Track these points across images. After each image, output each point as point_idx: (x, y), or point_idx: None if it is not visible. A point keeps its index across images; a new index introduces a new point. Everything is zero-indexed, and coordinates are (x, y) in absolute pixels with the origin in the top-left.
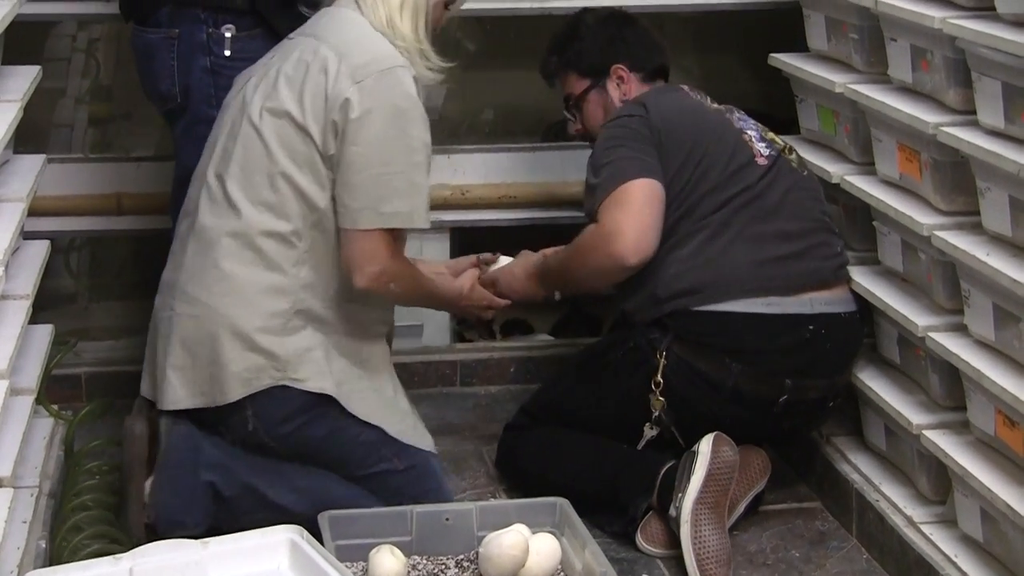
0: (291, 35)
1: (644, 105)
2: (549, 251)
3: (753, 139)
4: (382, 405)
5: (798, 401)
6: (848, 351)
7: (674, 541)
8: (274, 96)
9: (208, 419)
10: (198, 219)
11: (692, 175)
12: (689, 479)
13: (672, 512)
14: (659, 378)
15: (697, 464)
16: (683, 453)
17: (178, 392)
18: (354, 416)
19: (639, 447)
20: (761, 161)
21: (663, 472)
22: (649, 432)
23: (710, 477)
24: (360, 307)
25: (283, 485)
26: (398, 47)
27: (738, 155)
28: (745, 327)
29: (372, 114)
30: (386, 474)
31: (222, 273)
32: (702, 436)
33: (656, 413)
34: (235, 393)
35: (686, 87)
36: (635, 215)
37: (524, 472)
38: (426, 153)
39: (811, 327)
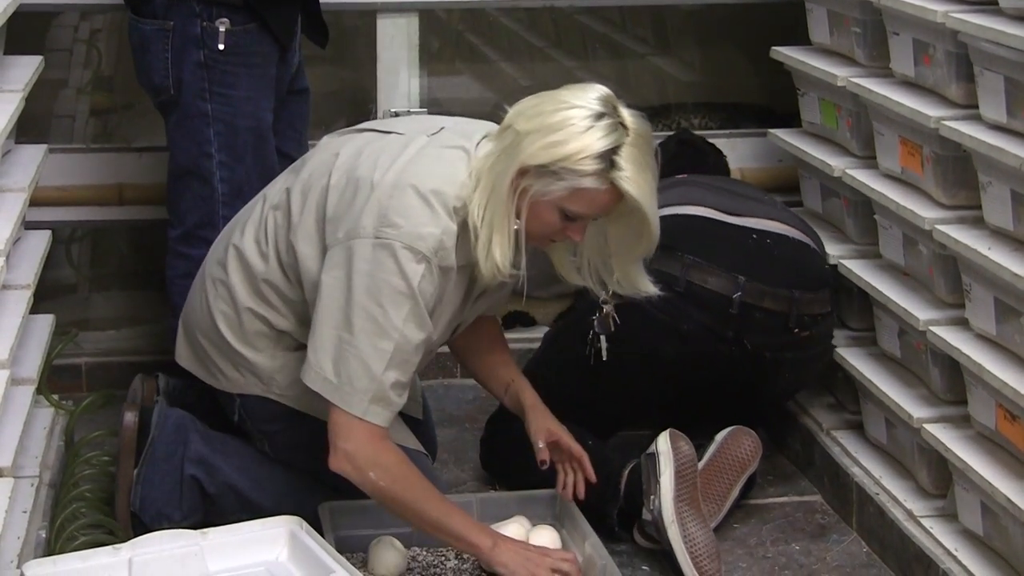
0: (443, 122)
1: None
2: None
3: None
4: None
5: (755, 307)
6: (804, 270)
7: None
8: (335, 175)
9: (205, 385)
10: (249, 211)
11: None
12: (658, 480)
13: (647, 515)
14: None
15: (662, 464)
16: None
17: (183, 350)
18: None
19: (588, 353)
20: None
21: (626, 476)
22: (597, 326)
23: (679, 475)
24: None
25: (267, 488)
26: (473, 227)
27: None
28: (687, 225)
29: (366, 277)
30: None
31: (227, 279)
32: (663, 353)
33: (596, 316)
34: (225, 387)
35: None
36: None
37: (505, 473)
38: (399, 346)
39: (754, 236)
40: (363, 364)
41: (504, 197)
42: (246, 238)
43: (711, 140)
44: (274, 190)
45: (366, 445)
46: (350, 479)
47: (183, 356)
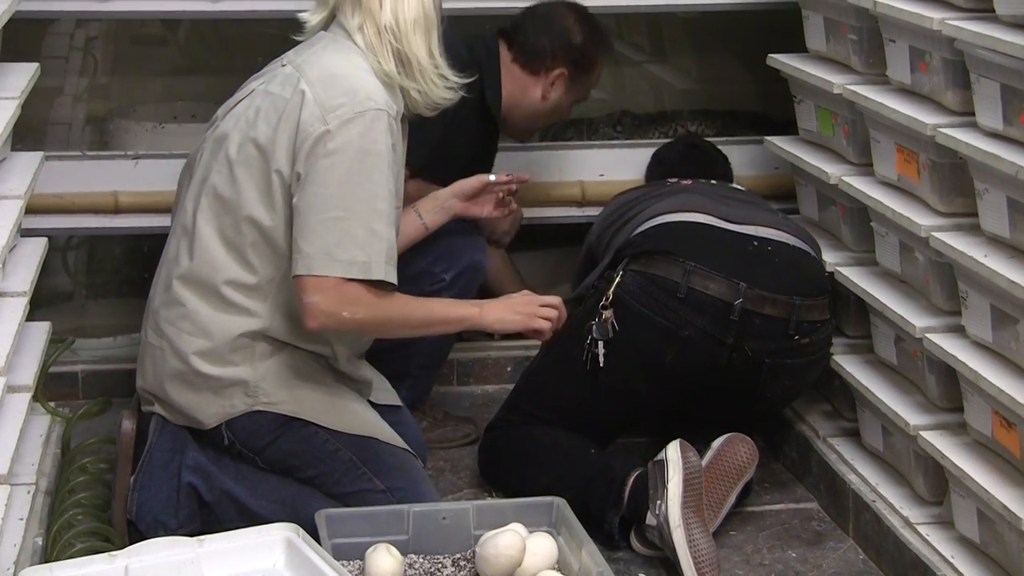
0: (282, 60)
1: None
2: None
3: None
4: (363, 417)
5: (756, 313)
6: (805, 276)
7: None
8: (251, 130)
9: (192, 429)
10: (169, 251)
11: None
12: (666, 485)
13: (651, 520)
14: (609, 293)
15: (670, 471)
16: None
17: (157, 410)
18: (333, 430)
19: (585, 359)
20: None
21: (631, 482)
22: (595, 331)
23: (687, 482)
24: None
25: (264, 495)
26: (401, 83)
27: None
28: (688, 231)
29: (337, 156)
30: (365, 493)
31: (186, 311)
32: (663, 359)
33: (595, 322)
34: (211, 423)
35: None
36: None
37: (504, 482)
38: (390, 202)
39: (755, 243)
40: (369, 231)
41: (432, 15)
42: (192, 264)
43: None
44: (185, 214)
45: (348, 312)
46: (327, 330)
47: (159, 410)
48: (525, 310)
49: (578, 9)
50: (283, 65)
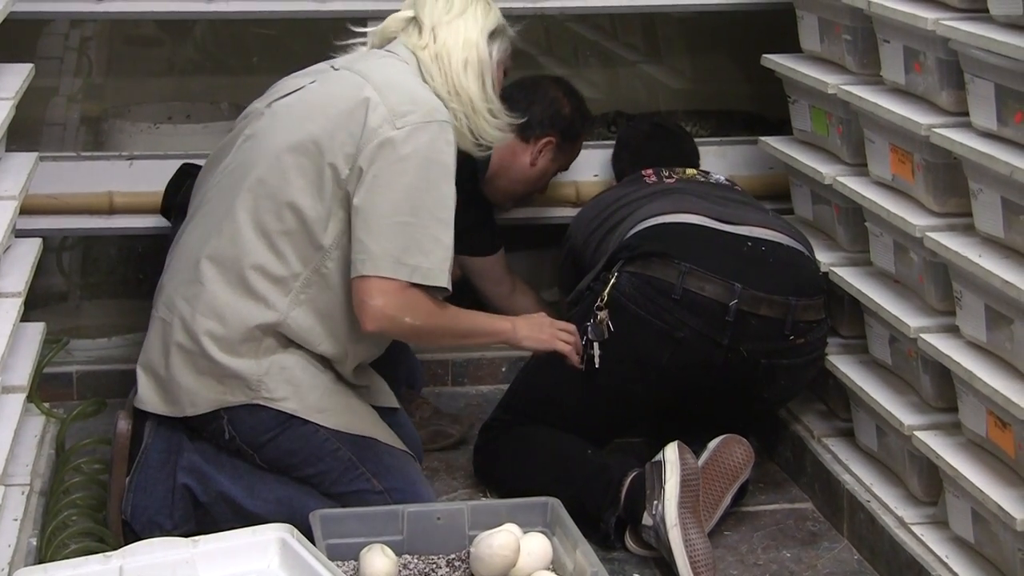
0: (332, 63)
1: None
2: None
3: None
4: (363, 418)
5: (751, 314)
6: (800, 276)
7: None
8: (304, 124)
9: (191, 423)
10: (191, 231)
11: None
12: (663, 486)
13: (648, 520)
14: (604, 294)
15: (668, 471)
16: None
17: (148, 394)
18: (333, 429)
19: (582, 360)
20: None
21: (628, 482)
22: (590, 332)
23: (684, 483)
24: (348, 335)
25: (260, 495)
26: (452, 108)
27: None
28: (682, 233)
29: (407, 162)
30: (363, 493)
31: (205, 290)
32: (659, 360)
33: (590, 323)
34: (204, 409)
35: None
36: None
37: (500, 482)
38: (452, 212)
39: (749, 244)
40: (434, 239)
41: (487, 60)
42: (222, 244)
43: (701, 144)
44: (211, 201)
45: (407, 317)
46: (383, 333)
47: (150, 400)
48: (551, 331)
49: (564, 83)
50: (335, 68)
